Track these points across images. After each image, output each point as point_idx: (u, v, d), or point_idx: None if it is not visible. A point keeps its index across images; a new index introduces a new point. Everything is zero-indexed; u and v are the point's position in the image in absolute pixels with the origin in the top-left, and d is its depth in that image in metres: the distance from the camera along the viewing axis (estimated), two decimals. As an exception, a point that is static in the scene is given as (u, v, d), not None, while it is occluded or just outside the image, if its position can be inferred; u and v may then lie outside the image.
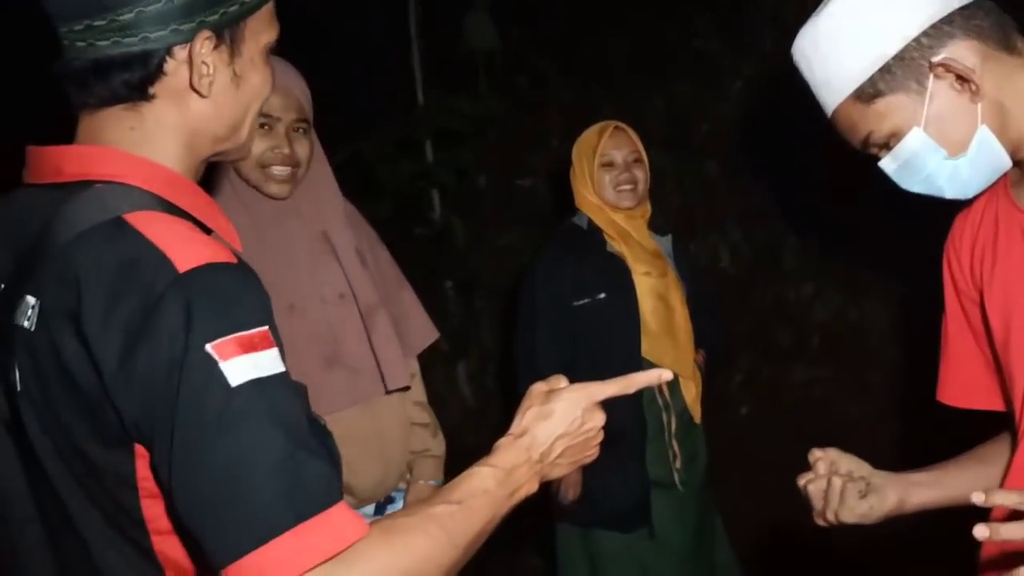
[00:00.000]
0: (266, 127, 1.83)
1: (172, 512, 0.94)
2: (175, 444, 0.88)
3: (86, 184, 1.00)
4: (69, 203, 0.98)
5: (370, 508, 2.00)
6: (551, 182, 3.98)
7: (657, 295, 2.67)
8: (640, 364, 2.54)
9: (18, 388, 0.98)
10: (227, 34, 1.02)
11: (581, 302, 2.63)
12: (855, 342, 4.03)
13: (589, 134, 2.74)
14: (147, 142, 1.03)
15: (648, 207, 2.75)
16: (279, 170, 1.85)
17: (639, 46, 4.40)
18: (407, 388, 2.02)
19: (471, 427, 4.23)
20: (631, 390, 1.14)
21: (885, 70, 1.23)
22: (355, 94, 4.65)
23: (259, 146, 1.81)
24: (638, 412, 2.62)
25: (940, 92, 1.23)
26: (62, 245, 0.95)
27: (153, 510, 0.97)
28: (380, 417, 1.97)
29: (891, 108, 1.25)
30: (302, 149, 1.88)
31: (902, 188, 1.32)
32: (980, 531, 1.02)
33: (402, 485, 2.06)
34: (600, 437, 1.13)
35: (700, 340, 2.77)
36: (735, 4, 4.17)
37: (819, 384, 4.06)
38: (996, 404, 1.42)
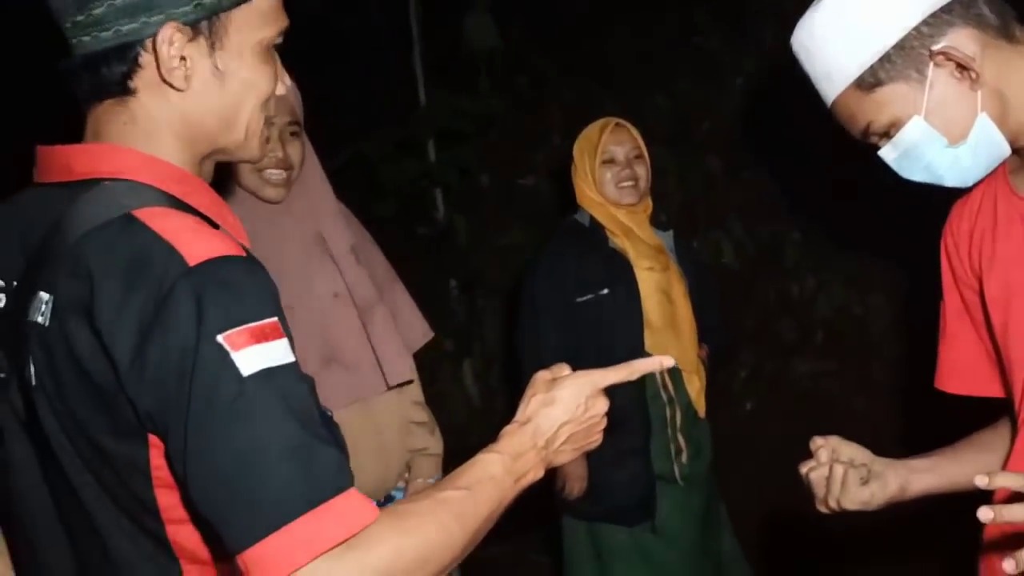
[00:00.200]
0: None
1: (187, 501, 0.95)
2: (189, 433, 0.89)
3: (95, 182, 1.02)
4: (79, 201, 1.00)
5: (370, 507, 2.00)
6: (553, 180, 3.99)
7: (660, 290, 2.68)
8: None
9: (33, 383, 0.99)
10: (205, 26, 1.02)
11: (584, 298, 2.65)
12: (859, 335, 4.04)
13: (590, 131, 2.75)
14: (142, 136, 1.04)
15: (649, 203, 2.76)
16: (274, 174, 1.87)
17: (640, 43, 4.42)
18: (409, 382, 2.02)
19: (477, 425, 4.25)
20: (634, 377, 1.15)
21: (885, 59, 1.24)
22: (357, 95, 4.67)
23: None
24: (642, 406, 2.64)
25: (940, 80, 1.24)
26: (73, 242, 0.97)
27: (167, 499, 0.98)
28: (378, 416, 1.98)
29: (891, 97, 1.25)
30: (295, 152, 1.90)
31: (902, 177, 1.33)
32: (984, 513, 1.03)
33: (401, 484, 2.07)
34: (604, 423, 1.14)
35: (703, 335, 2.78)
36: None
37: (823, 378, 4.07)
38: (995, 391, 1.43)
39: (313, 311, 1.89)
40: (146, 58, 1.02)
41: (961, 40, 1.22)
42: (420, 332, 2.13)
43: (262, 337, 0.91)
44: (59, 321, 0.96)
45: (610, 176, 2.68)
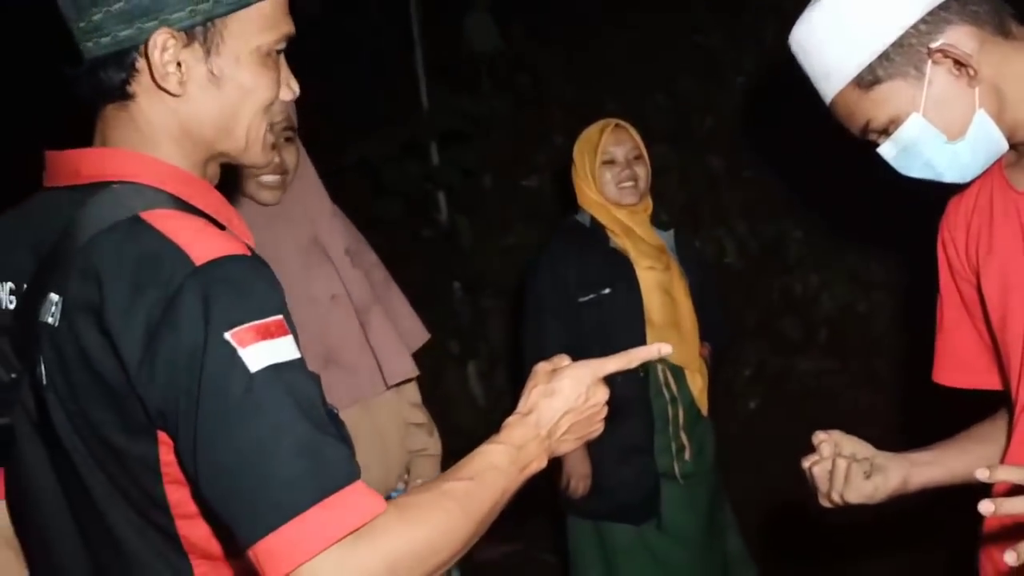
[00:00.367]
0: None
1: (198, 497, 0.97)
2: (199, 429, 0.90)
3: (103, 185, 1.03)
4: (88, 204, 1.01)
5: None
6: (556, 180, 4.00)
7: (661, 289, 2.69)
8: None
9: (44, 383, 1.01)
10: (200, 32, 1.03)
11: (586, 298, 2.66)
12: (862, 333, 4.04)
13: (590, 132, 2.76)
14: (143, 140, 1.06)
15: (650, 203, 2.78)
16: (270, 178, 1.90)
17: (640, 42, 4.43)
18: (408, 381, 2.04)
19: (482, 426, 4.25)
20: (633, 365, 1.16)
21: (884, 57, 1.25)
22: (359, 97, 4.68)
23: None
24: (645, 404, 2.65)
25: (938, 78, 1.25)
26: (82, 244, 0.99)
27: (177, 495, 1.00)
28: (378, 417, 2.00)
29: (890, 95, 1.27)
30: (290, 156, 1.93)
31: (902, 174, 1.34)
32: (985, 506, 1.04)
33: (400, 485, 2.08)
34: (605, 412, 1.15)
35: (705, 333, 2.79)
36: (735, -3, 4.19)
37: (827, 375, 4.08)
38: (992, 383, 1.44)
39: (311, 313, 1.90)
40: (142, 64, 1.03)
41: (958, 37, 1.23)
42: (416, 334, 2.14)
43: (268, 334, 0.93)
44: (69, 321, 0.98)
45: (610, 176, 2.70)
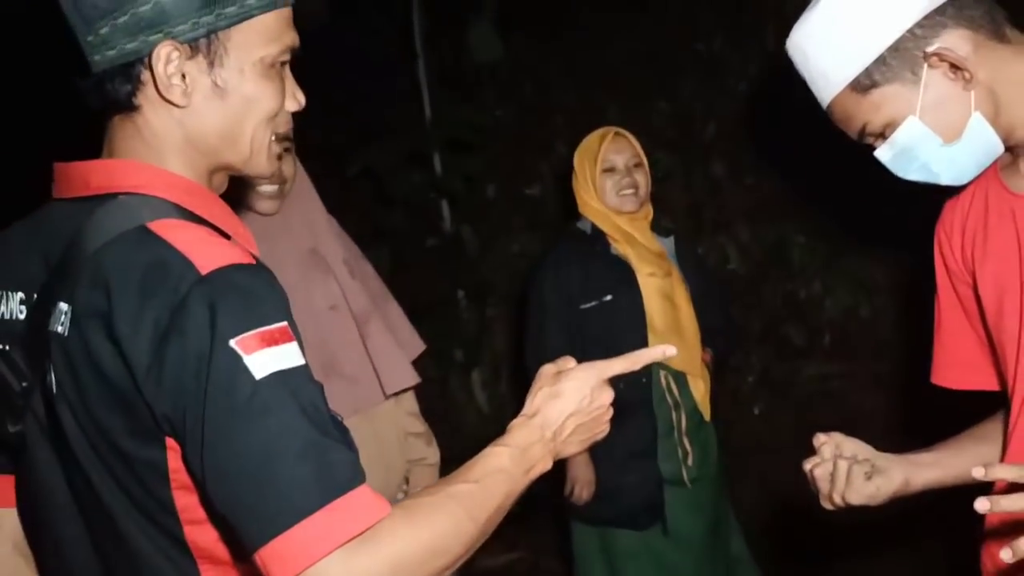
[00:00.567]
0: None
1: (205, 502, 0.98)
2: (206, 436, 0.92)
3: (111, 196, 1.05)
4: (96, 215, 1.03)
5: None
6: (558, 188, 4.02)
7: (663, 295, 2.71)
8: (648, 364, 2.57)
9: (54, 390, 1.03)
10: (203, 44, 1.04)
11: (588, 304, 2.67)
12: (866, 337, 4.04)
13: (590, 140, 2.78)
14: (151, 150, 1.07)
15: (650, 210, 2.79)
16: (268, 188, 1.92)
17: (642, 49, 4.44)
18: (407, 390, 2.05)
19: (487, 434, 4.25)
20: (637, 367, 1.17)
21: (880, 61, 1.26)
22: (363, 107, 4.70)
23: None
24: (648, 410, 2.66)
25: (934, 81, 1.26)
26: (91, 254, 1.01)
27: (184, 500, 1.01)
28: (379, 426, 2.01)
29: (886, 98, 1.28)
30: (287, 167, 1.95)
31: (899, 176, 1.35)
32: (981, 504, 1.05)
33: (400, 495, 2.09)
34: (610, 414, 1.15)
35: (707, 339, 2.80)
36: (738, 3, 4.20)
37: (832, 380, 4.08)
38: (990, 384, 1.45)
39: (311, 323, 1.91)
40: (147, 76, 1.05)
41: (954, 41, 1.24)
42: (414, 345, 2.16)
43: (272, 341, 0.94)
44: (78, 330, 0.99)
45: (611, 184, 2.72)
